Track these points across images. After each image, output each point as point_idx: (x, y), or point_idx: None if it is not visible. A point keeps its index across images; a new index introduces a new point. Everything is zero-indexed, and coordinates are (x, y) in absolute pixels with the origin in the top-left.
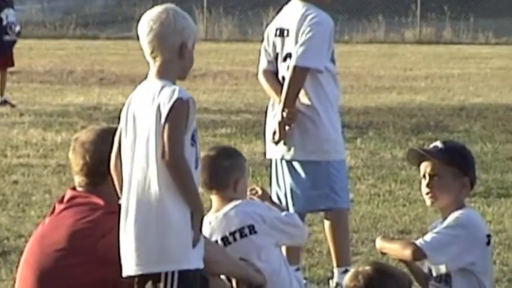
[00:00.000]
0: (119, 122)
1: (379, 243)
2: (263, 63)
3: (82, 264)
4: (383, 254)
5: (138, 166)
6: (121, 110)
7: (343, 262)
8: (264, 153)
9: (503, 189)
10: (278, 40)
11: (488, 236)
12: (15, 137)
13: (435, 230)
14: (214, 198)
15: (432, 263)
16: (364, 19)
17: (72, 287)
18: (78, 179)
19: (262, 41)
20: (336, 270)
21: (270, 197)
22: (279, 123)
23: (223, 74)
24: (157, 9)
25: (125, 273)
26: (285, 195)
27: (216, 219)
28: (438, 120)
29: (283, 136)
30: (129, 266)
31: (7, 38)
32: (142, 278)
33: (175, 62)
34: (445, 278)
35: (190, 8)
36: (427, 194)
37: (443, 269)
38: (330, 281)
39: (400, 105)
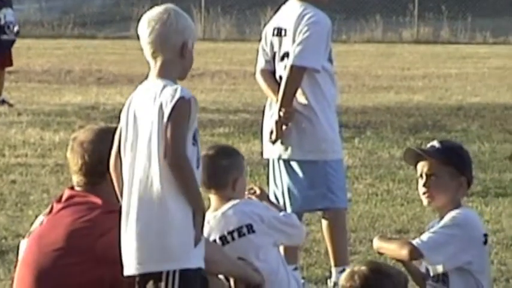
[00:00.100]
0: (118, 122)
1: (377, 243)
2: (261, 63)
3: (80, 264)
4: (380, 254)
5: (140, 165)
6: (119, 110)
7: (341, 262)
8: (262, 153)
9: (500, 188)
10: (276, 39)
11: (485, 235)
12: (13, 137)
13: (432, 230)
14: (213, 197)
15: (429, 262)
16: (361, 18)
17: (70, 286)
18: (77, 179)
19: (260, 40)
20: (333, 270)
21: (268, 197)
22: (276, 122)
23: (221, 74)
24: (158, 10)
25: (125, 272)
26: (282, 194)
27: (215, 218)
28: (436, 119)
29: (281, 135)
30: (130, 265)
31: (5, 37)
32: (144, 277)
33: (177, 61)
34: (443, 278)
35: (188, 8)
36: (424, 193)
37: (440, 268)
38: (328, 281)
39: (398, 104)
